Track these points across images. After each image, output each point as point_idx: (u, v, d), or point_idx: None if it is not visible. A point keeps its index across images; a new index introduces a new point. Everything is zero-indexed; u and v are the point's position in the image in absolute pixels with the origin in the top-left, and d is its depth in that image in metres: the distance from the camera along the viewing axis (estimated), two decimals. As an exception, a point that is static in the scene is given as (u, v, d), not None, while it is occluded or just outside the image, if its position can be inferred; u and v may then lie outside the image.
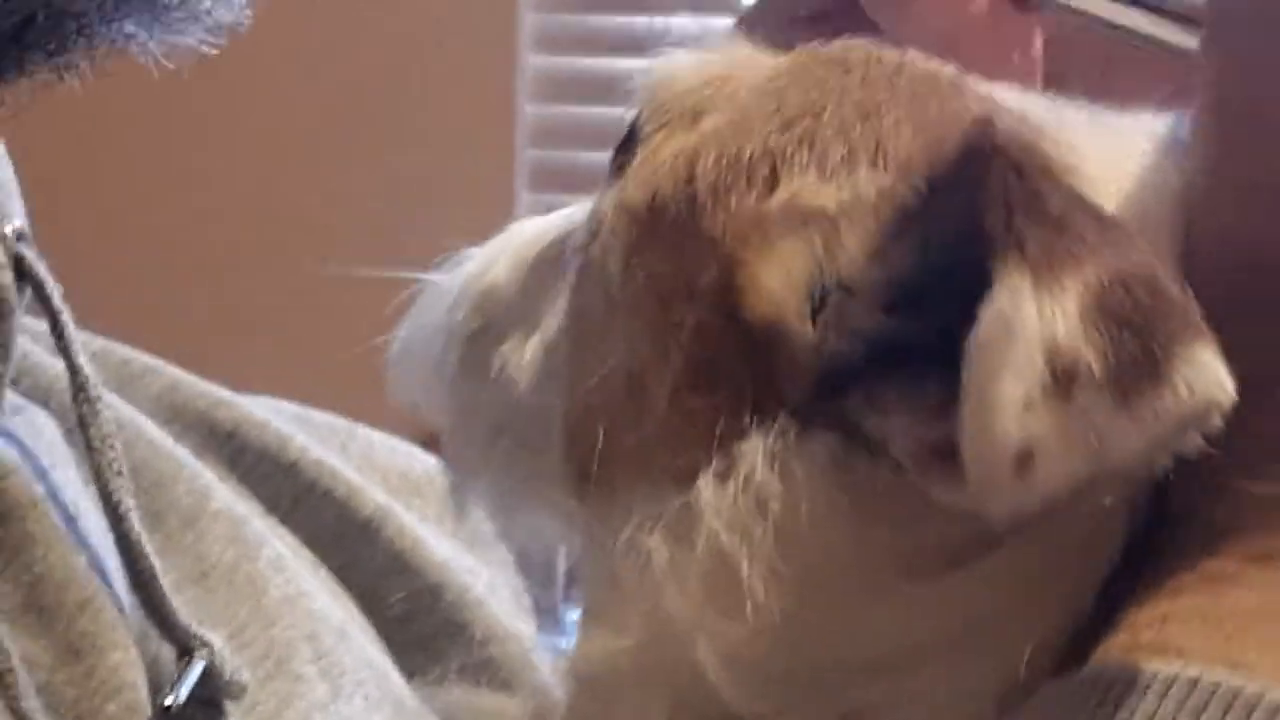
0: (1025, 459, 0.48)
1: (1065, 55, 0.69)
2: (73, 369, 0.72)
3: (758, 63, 0.62)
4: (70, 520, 0.72)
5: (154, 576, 0.71)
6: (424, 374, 0.69)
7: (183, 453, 0.80)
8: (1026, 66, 0.67)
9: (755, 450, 0.55)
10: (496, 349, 0.66)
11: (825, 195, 0.57)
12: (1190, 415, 0.48)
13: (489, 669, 0.67)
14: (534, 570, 0.86)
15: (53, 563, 0.70)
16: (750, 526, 0.55)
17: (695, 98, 0.61)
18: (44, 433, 0.74)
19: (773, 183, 0.58)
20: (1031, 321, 0.49)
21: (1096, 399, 0.48)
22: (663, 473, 0.57)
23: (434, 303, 0.69)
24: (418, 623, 0.83)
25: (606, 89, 2.17)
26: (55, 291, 0.72)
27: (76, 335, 0.72)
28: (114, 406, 0.75)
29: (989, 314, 0.49)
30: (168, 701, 0.70)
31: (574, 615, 0.66)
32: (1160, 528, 0.52)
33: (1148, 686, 0.50)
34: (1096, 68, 0.68)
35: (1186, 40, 0.60)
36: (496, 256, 0.68)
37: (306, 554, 0.82)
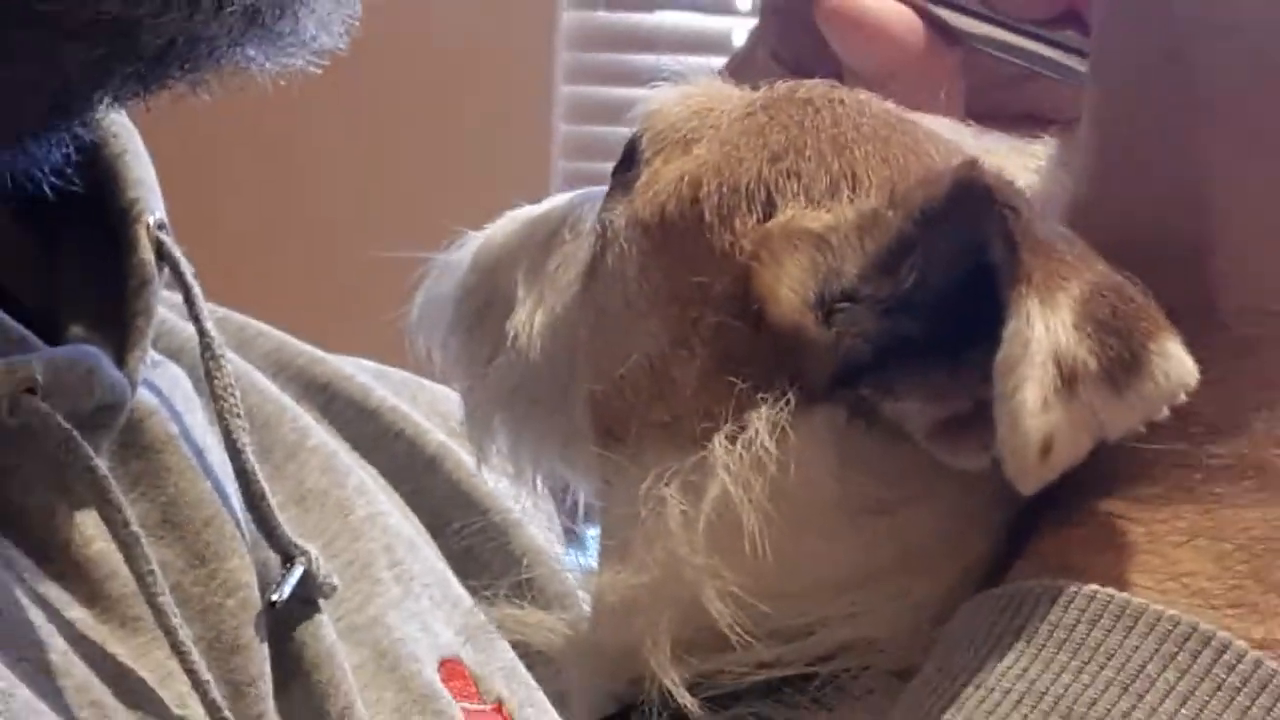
0: (1048, 447, 0.51)
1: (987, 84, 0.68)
2: (201, 331, 0.76)
3: (732, 97, 0.64)
4: (198, 453, 0.75)
5: (264, 498, 0.75)
6: (439, 338, 0.71)
7: (286, 400, 0.84)
8: (953, 93, 0.67)
9: (762, 418, 0.58)
10: (506, 320, 0.68)
11: (815, 219, 0.59)
12: (1168, 395, 0.51)
13: (532, 587, 0.66)
14: (556, 497, 0.84)
15: (183, 487, 0.74)
16: (751, 480, 0.57)
17: (685, 127, 0.64)
18: (178, 383, 0.78)
19: (769, 208, 0.60)
20: (1041, 337, 0.51)
21: (1096, 392, 0.51)
22: (685, 439, 0.60)
23: (442, 277, 0.71)
24: (473, 543, 0.85)
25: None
26: (188, 270, 0.76)
27: (204, 305, 0.76)
28: (233, 362, 0.78)
29: (1009, 334, 0.51)
30: (274, 598, 0.74)
31: (593, 534, 0.68)
32: (1062, 477, 0.53)
33: (1052, 599, 0.52)
34: (1013, 93, 0.68)
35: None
36: (495, 239, 0.71)
37: (383, 482, 0.85)
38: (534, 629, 0.65)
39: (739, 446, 0.58)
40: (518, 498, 0.84)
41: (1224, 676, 0.50)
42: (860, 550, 0.58)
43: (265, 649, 0.73)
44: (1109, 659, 0.50)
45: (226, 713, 0.69)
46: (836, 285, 0.58)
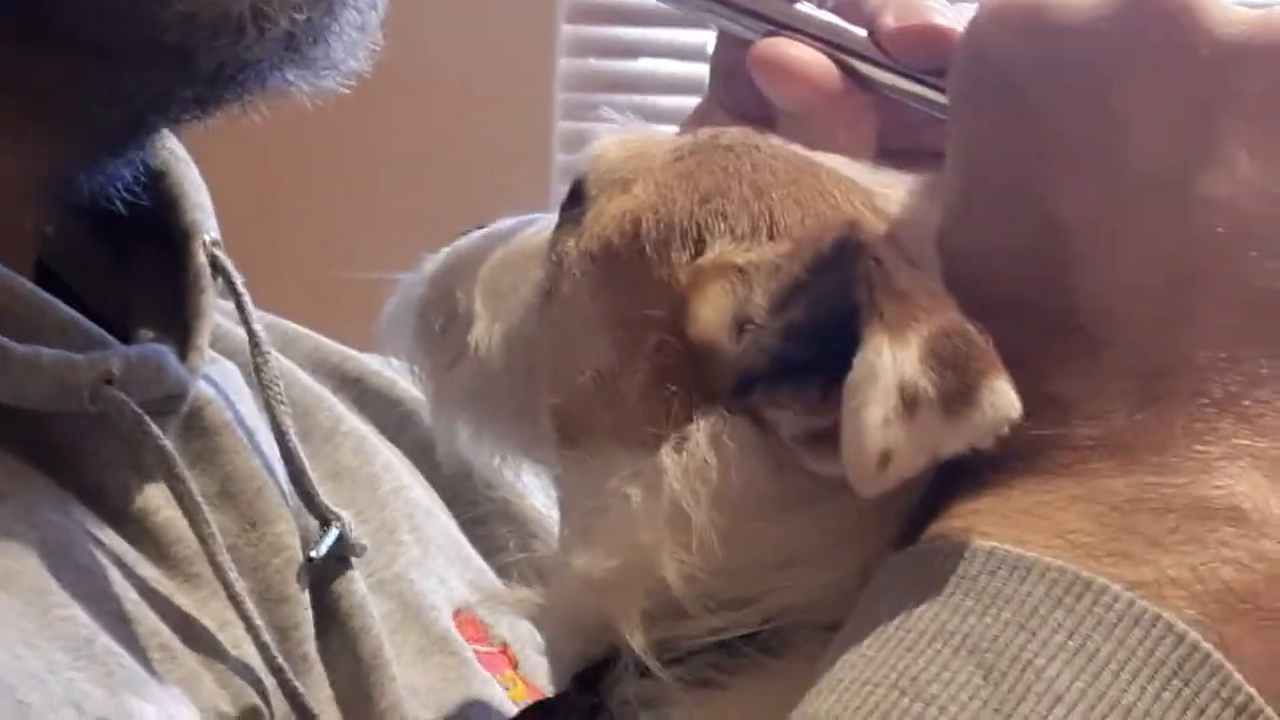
0: (885, 459, 0.52)
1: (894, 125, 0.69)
2: (251, 333, 0.77)
3: (664, 143, 0.66)
4: (249, 435, 0.76)
5: (305, 473, 0.76)
6: (404, 347, 0.72)
7: (323, 391, 0.84)
8: (865, 131, 0.68)
9: (700, 431, 0.60)
10: (464, 332, 0.69)
11: (739, 255, 0.61)
12: (993, 425, 0.53)
13: (531, 564, 0.66)
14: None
15: (237, 464, 0.74)
16: (696, 486, 0.59)
17: (623, 169, 0.65)
18: (231, 377, 0.78)
19: (700, 244, 0.62)
20: (888, 365, 0.53)
21: (931, 416, 0.52)
22: (635, 442, 0.61)
23: (406, 293, 0.72)
24: (481, 512, 0.86)
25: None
26: (238, 280, 0.77)
27: (253, 311, 0.78)
28: (277, 360, 0.79)
29: (859, 361, 0.53)
30: (313, 555, 0.74)
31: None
32: (959, 461, 0.54)
33: (958, 554, 0.53)
34: (923, 133, 0.68)
35: None
36: (452, 260, 0.72)
37: (407, 461, 0.85)
38: (519, 604, 0.66)
39: (684, 456, 0.59)
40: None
41: (1103, 614, 0.51)
42: (793, 535, 0.59)
43: (307, 599, 0.74)
44: (1007, 603, 0.52)
45: (275, 652, 0.69)
46: (746, 311, 0.60)
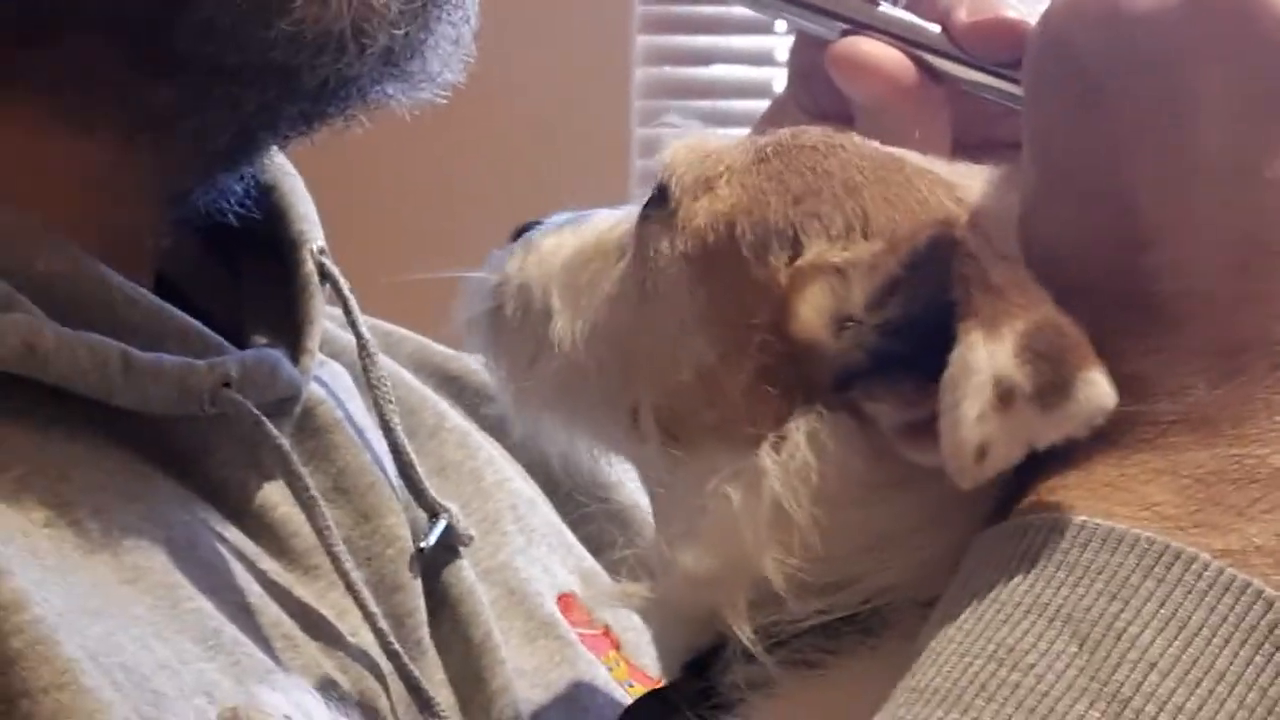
0: (982, 451, 0.53)
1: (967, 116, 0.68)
2: (358, 336, 0.77)
3: (729, 143, 0.66)
4: (359, 433, 0.76)
5: (413, 468, 0.76)
6: (484, 345, 0.71)
7: (427, 391, 0.84)
8: (940, 123, 0.68)
9: (799, 431, 0.59)
10: (541, 327, 0.68)
11: (835, 255, 0.61)
12: (1087, 417, 0.53)
13: (638, 560, 0.66)
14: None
15: (349, 460, 0.75)
16: (796, 486, 0.59)
17: (700, 170, 0.65)
18: (340, 378, 0.79)
19: (796, 245, 0.61)
20: (983, 360, 0.53)
21: (1026, 409, 0.53)
22: (736, 439, 0.61)
23: (480, 292, 0.71)
24: (581, 502, 0.85)
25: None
26: (345, 286, 0.78)
27: (360, 315, 0.78)
28: (384, 361, 0.79)
29: (955, 357, 0.53)
30: (423, 546, 0.75)
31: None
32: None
33: (1050, 528, 0.53)
34: (998, 125, 0.68)
35: None
36: (525, 256, 0.70)
37: (508, 455, 0.85)
38: (628, 599, 0.66)
39: (784, 456, 0.59)
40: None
41: (1193, 582, 0.51)
42: (889, 518, 0.59)
43: (419, 587, 0.74)
44: (1099, 574, 0.52)
45: (392, 638, 0.70)
46: (845, 310, 0.59)
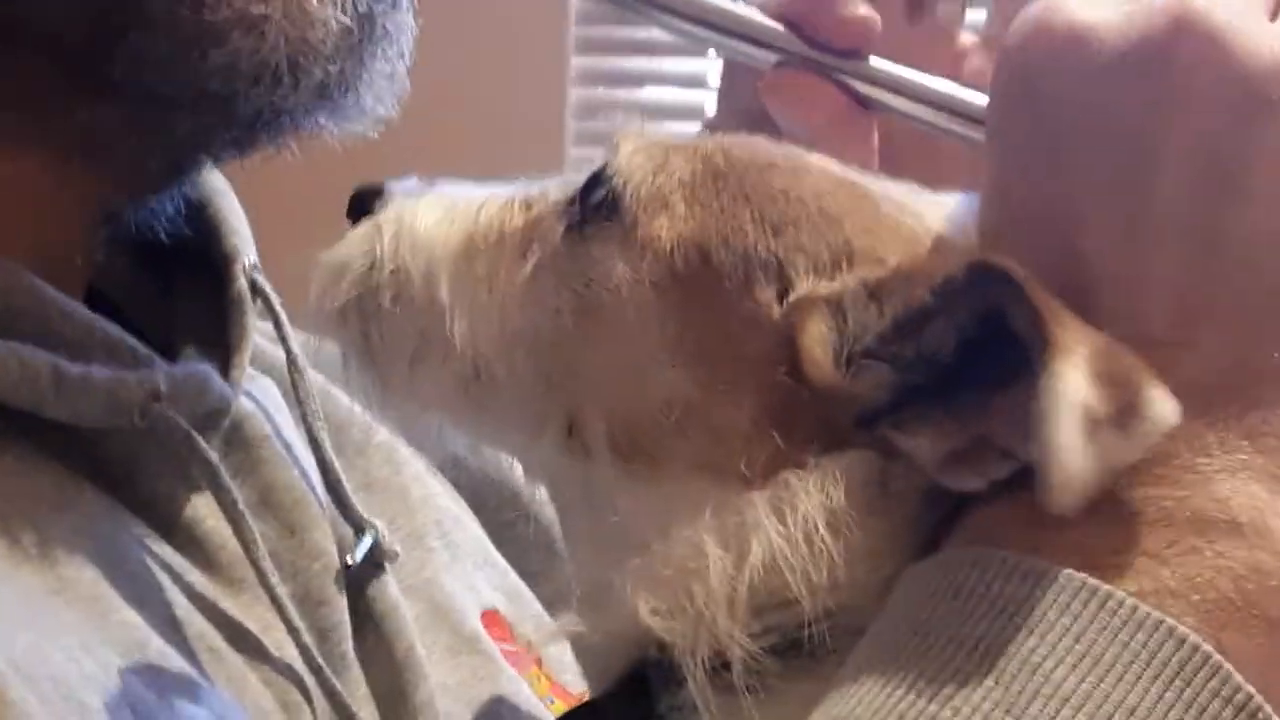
0: (1081, 479, 0.51)
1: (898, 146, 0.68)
2: (288, 351, 0.77)
3: (674, 149, 0.62)
4: (287, 448, 0.75)
5: (340, 483, 0.76)
6: (348, 336, 0.66)
7: (356, 406, 0.79)
8: (868, 152, 0.68)
9: (804, 480, 0.56)
10: (431, 321, 0.63)
11: (828, 288, 0.58)
12: (1158, 432, 0.51)
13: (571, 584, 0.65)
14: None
15: (276, 474, 0.74)
16: (798, 543, 0.56)
17: (655, 182, 0.61)
18: (269, 393, 0.78)
19: (783, 279, 0.59)
20: (1072, 391, 0.51)
21: (1108, 435, 0.51)
22: (722, 474, 0.58)
23: (339, 276, 0.66)
24: (506, 517, 0.85)
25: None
26: (276, 302, 0.77)
27: (290, 330, 0.77)
28: (314, 376, 0.79)
29: (1046, 390, 0.51)
30: (349, 561, 0.74)
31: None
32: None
33: (975, 564, 0.53)
34: (921, 154, 0.68)
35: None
36: (392, 237, 0.66)
37: (434, 470, 0.84)
38: (564, 634, 0.64)
39: (790, 527, 0.56)
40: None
41: (1108, 619, 0.51)
42: (856, 546, 0.57)
43: (344, 602, 0.73)
44: (1018, 609, 0.51)
45: (315, 652, 0.69)
46: (859, 344, 0.57)
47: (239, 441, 0.74)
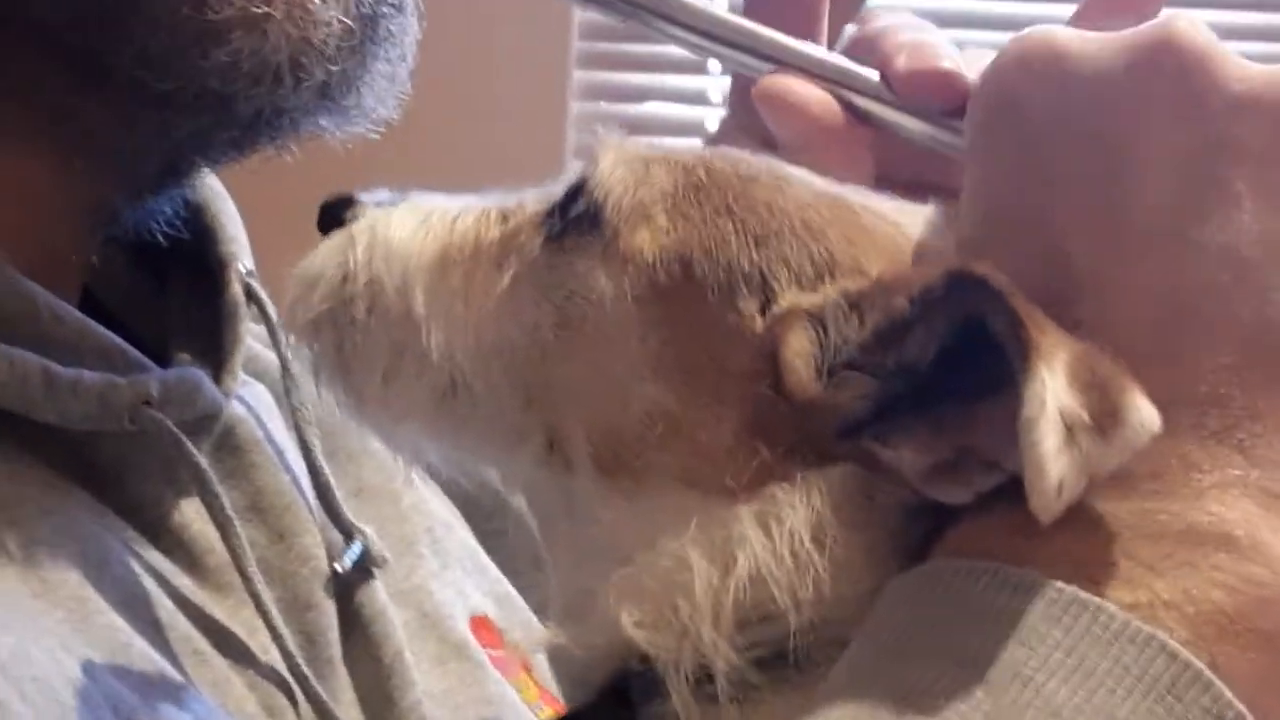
0: (1060, 488, 0.50)
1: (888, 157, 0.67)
2: (281, 357, 0.76)
3: (656, 161, 0.61)
4: (279, 453, 0.75)
5: (330, 490, 0.75)
6: (323, 347, 0.64)
7: None
8: (863, 165, 0.66)
9: (790, 494, 0.56)
10: (406, 334, 0.62)
11: (810, 300, 0.57)
12: (1141, 439, 0.51)
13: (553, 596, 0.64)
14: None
15: (267, 480, 0.74)
16: (783, 557, 0.55)
17: (637, 194, 0.61)
18: (262, 398, 0.77)
19: (767, 291, 0.58)
20: (1052, 397, 0.50)
21: (1088, 440, 0.50)
22: (706, 487, 0.57)
23: (313, 287, 0.64)
24: (498, 525, 0.84)
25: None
26: (270, 308, 0.76)
27: (284, 336, 0.76)
28: (306, 382, 0.75)
29: (1029, 396, 0.50)
30: (338, 567, 0.74)
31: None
32: None
33: (964, 574, 0.52)
34: (910, 164, 0.66)
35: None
36: (367, 249, 0.64)
37: (427, 478, 0.79)
38: (549, 645, 0.62)
39: (776, 541, 0.56)
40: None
41: (1100, 633, 0.50)
42: (839, 560, 0.56)
43: (333, 607, 0.73)
44: (1009, 620, 0.51)
45: (299, 659, 0.69)
46: (840, 356, 0.56)
47: (230, 446, 0.73)
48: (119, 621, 0.64)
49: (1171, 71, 0.55)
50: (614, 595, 0.57)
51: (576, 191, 0.62)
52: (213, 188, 0.79)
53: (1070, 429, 0.50)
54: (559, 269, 0.61)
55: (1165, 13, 0.56)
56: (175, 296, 0.78)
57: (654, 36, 0.68)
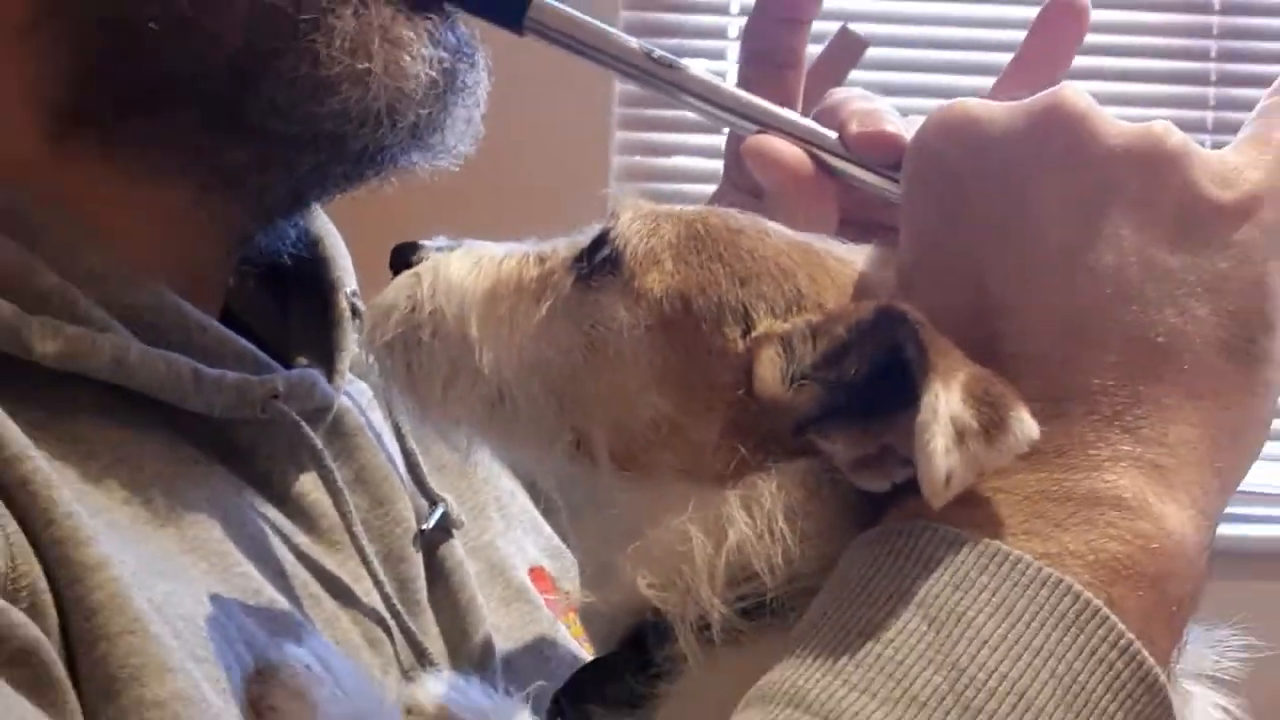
0: (949, 479, 0.53)
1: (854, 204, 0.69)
2: None
3: (662, 216, 0.65)
4: (377, 437, 0.78)
5: (419, 465, 0.79)
6: (395, 366, 0.66)
7: None
8: (830, 209, 0.68)
9: (767, 482, 0.59)
10: (462, 352, 0.64)
11: (782, 327, 0.61)
12: (1020, 445, 0.54)
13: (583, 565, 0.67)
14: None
15: (369, 458, 0.77)
16: (763, 532, 0.58)
17: (648, 245, 0.64)
18: (364, 394, 0.81)
19: (748, 320, 0.61)
20: (944, 406, 0.53)
21: (976, 443, 0.53)
22: (699, 477, 0.60)
23: (388, 316, 0.66)
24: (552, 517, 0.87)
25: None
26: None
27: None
28: None
29: (925, 405, 0.53)
30: (424, 527, 0.77)
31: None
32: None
33: (910, 533, 0.55)
34: (864, 209, 0.69)
35: None
36: (430, 285, 0.66)
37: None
38: (581, 604, 0.65)
39: (756, 520, 0.58)
40: None
41: (1018, 578, 0.53)
42: (809, 530, 0.59)
43: (420, 560, 0.76)
44: (946, 569, 0.53)
45: (395, 600, 0.72)
46: (798, 369, 0.59)
47: (339, 431, 0.76)
48: (252, 571, 0.67)
49: (1058, 128, 0.57)
50: (631, 563, 0.61)
51: (601, 241, 0.65)
52: (326, 224, 0.83)
53: (961, 434, 0.53)
54: (586, 303, 0.64)
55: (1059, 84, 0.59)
56: (296, 313, 0.81)
57: (678, 104, 0.72)
